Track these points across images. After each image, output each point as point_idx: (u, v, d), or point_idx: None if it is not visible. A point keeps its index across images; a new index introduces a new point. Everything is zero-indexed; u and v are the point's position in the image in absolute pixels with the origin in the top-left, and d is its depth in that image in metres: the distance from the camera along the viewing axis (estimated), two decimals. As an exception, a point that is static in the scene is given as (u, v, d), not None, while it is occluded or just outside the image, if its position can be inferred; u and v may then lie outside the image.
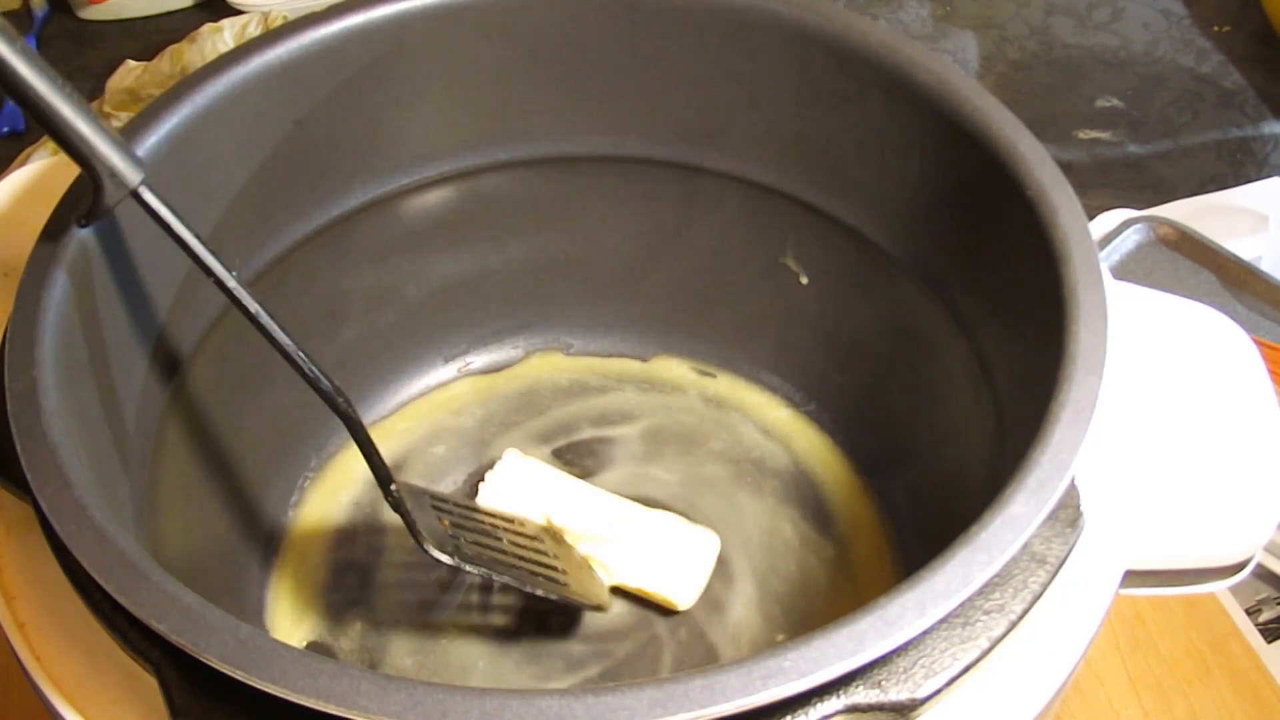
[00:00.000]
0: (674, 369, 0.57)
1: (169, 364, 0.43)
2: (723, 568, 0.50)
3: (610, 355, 0.58)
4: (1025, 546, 0.33)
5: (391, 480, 0.43)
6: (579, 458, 0.54)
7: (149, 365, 0.42)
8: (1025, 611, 0.32)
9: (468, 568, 0.43)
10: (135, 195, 0.37)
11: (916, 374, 0.50)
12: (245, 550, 0.50)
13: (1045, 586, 0.33)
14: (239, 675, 0.29)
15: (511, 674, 0.47)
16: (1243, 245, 0.68)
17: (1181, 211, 0.70)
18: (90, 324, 0.38)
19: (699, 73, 0.48)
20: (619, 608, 0.49)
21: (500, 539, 0.46)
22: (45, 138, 0.74)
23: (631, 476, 0.53)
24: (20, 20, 0.89)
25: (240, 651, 0.29)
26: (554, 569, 0.46)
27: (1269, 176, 0.74)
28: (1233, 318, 0.43)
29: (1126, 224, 0.67)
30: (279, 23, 0.77)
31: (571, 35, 0.48)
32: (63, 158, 0.49)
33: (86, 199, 0.37)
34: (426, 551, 0.43)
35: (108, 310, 0.39)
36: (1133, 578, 0.37)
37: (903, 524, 0.52)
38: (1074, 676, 0.34)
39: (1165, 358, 0.41)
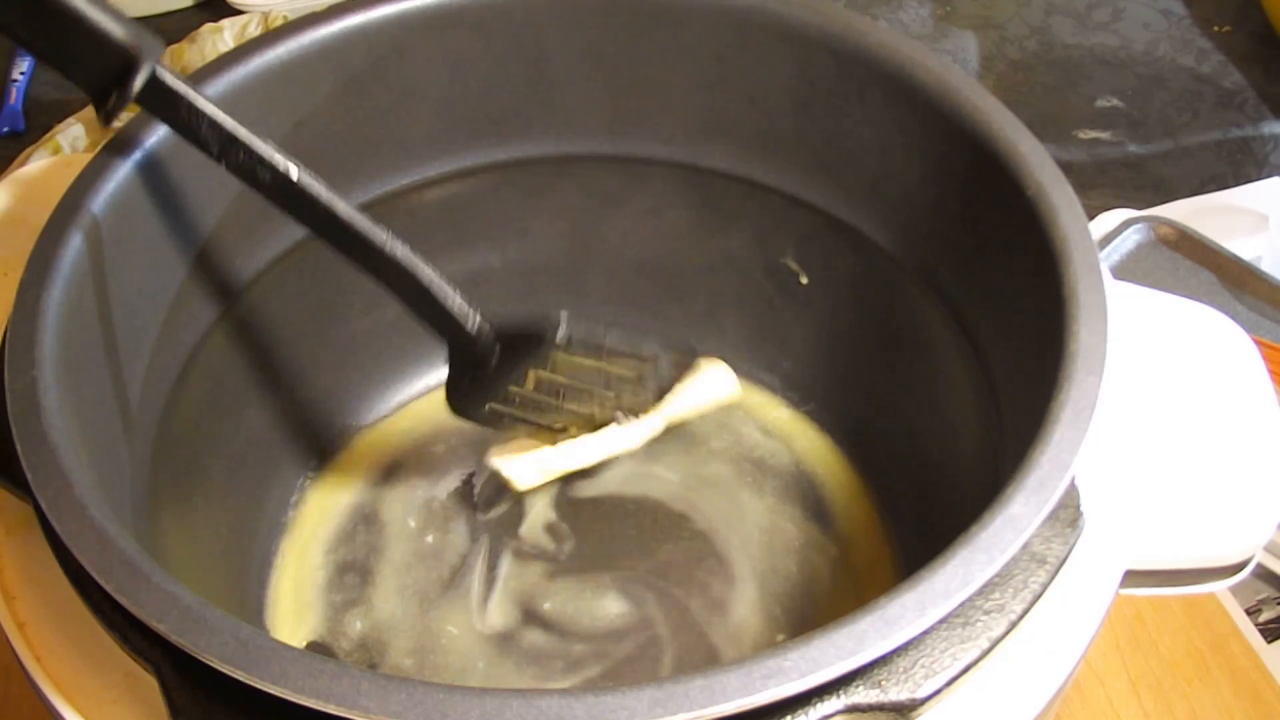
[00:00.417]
0: (674, 369, 0.57)
1: (170, 363, 0.43)
2: (723, 567, 0.50)
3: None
4: (1025, 546, 0.33)
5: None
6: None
7: (150, 364, 0.42)
8: (1025, 611, 0.32)
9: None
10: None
11: (916, 374, 0.50)
12: (245, 550, 0.50)
13: (1045, 586, 0.33)
14: (239, 675, 0.29)
15: (511, 674, 0.47)
16: (1243, 245, 0.68)
17: (1181, 211, 0.70)
18: (90, 323, 0.38)
19: (699, 73, 0.48)
20: (619, 607, 0.49)
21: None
22: (45, 138, 0.74)
23: (632, 475, 0.53)
24: (20, 20, 0.89)
25: (240, 651, 0.29)
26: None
27: (1269, 176, 0.74)
28: (1233, 318, 0.43)
29: (1126, 224, 0.67)
30: (279, 23, 0.77)
31: (572, 35, 0.48)
32: (63, 157, 0.50)
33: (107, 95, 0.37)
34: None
35: (108, 309, 0.39)
36: (1133, 578, 0.37)
37: (903, 524, 0.52)
38: (1074, 676, 0.34)
39: (1165, 358, 0.41)
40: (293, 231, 0.48)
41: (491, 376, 0.45)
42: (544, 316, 0.45)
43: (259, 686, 0.28)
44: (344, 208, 0.41)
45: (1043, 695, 0.33)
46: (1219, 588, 0.40)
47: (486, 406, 0.46)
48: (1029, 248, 0.39)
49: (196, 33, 0.77)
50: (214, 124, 0.38)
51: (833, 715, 0.30)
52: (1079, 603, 0.35)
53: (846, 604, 0.49)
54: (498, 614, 0.49)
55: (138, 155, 0.41)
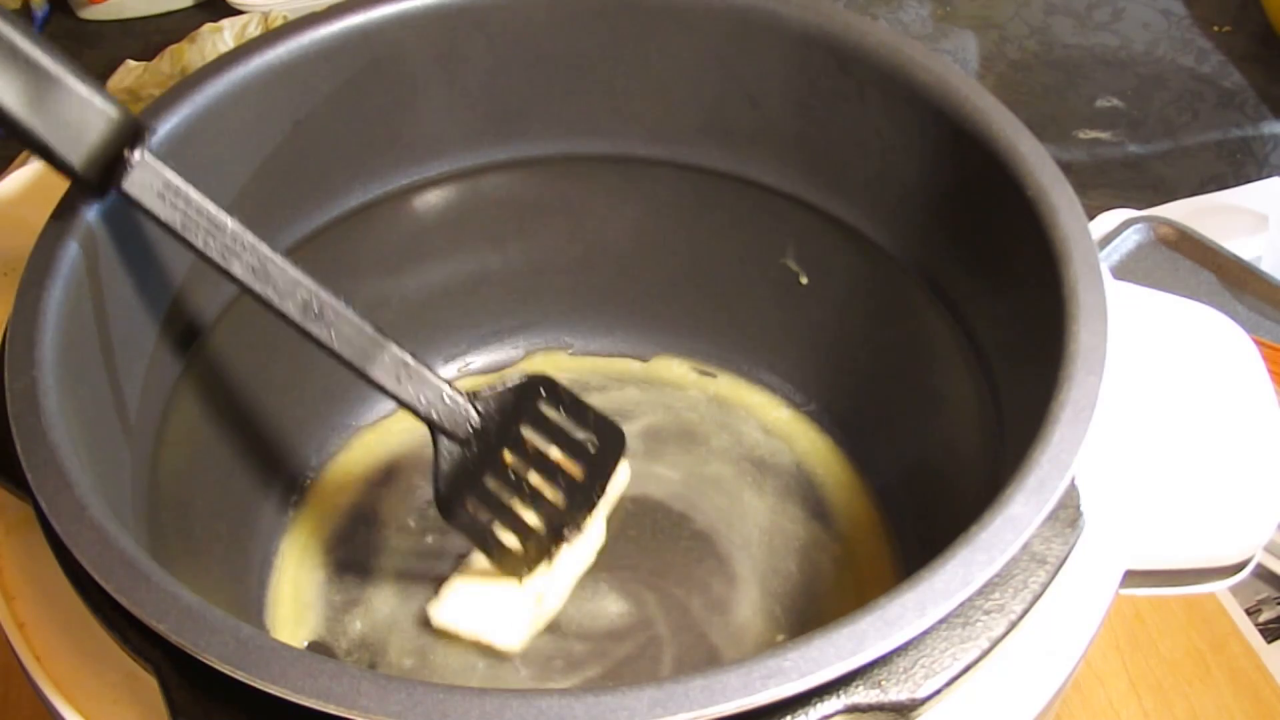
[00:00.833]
0: (674, 369, 0.57)
1: (170, 363, 0.43)
2: (724, 567, 0.50)
3: (610, 355, 0.58)
4: (1025, 546, 0.33)
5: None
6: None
7: (150, 365, 0.42)
8: (1025, 611, 0.32)
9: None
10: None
11: (916, 374, 0.50)
12: (245, 550, 0.50)
13: (1045, 586, 0.33)
14: (239, 675, 0.29)
15: (511, 674, 0.47)
16: (1243, 245, 0.68)
17: (1181, 211, 0.70)
18: (91, 323, 0.38)
19: (699, 73, 0.48)
20: (619, 607, 0.49)
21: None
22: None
23: (634, 475, 0.53)
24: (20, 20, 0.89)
25: (240, 651, 0.29)
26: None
27: (1269, 176, 0.74)
28: (1233, 318, 0.43)
29: (1126, 224, 0.67)
30: (279, 23, 0.77)
31: (572, 35, 0.48)
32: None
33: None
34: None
35: (108, 310, 0.39)
36: (1133, 578, 0.37)
37: (903, 524, 0.52)
38: (1074, 676, 0.34)
39: (1165, 358, 0.41)
40: (293, 232, 0.48)
41: (476, 459, 0.45)
42: (522, 382, 0.45)
43: (259, 686, 0.28)
44: (343, 348, 0.41)
45: (1043, 695, 0.33)
46: (1219, 588, 0.40)
47: (466, 505, 0.45)
48: (1029, 248, 0.39)
49: (196, 33, 0.77)
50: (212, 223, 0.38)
51: (833, 715, 0.30)
52: (1079, 603, 0.35)
53: (847, 604, 0.49)
54: (498, 614, 0.49)
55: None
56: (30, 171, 0.46)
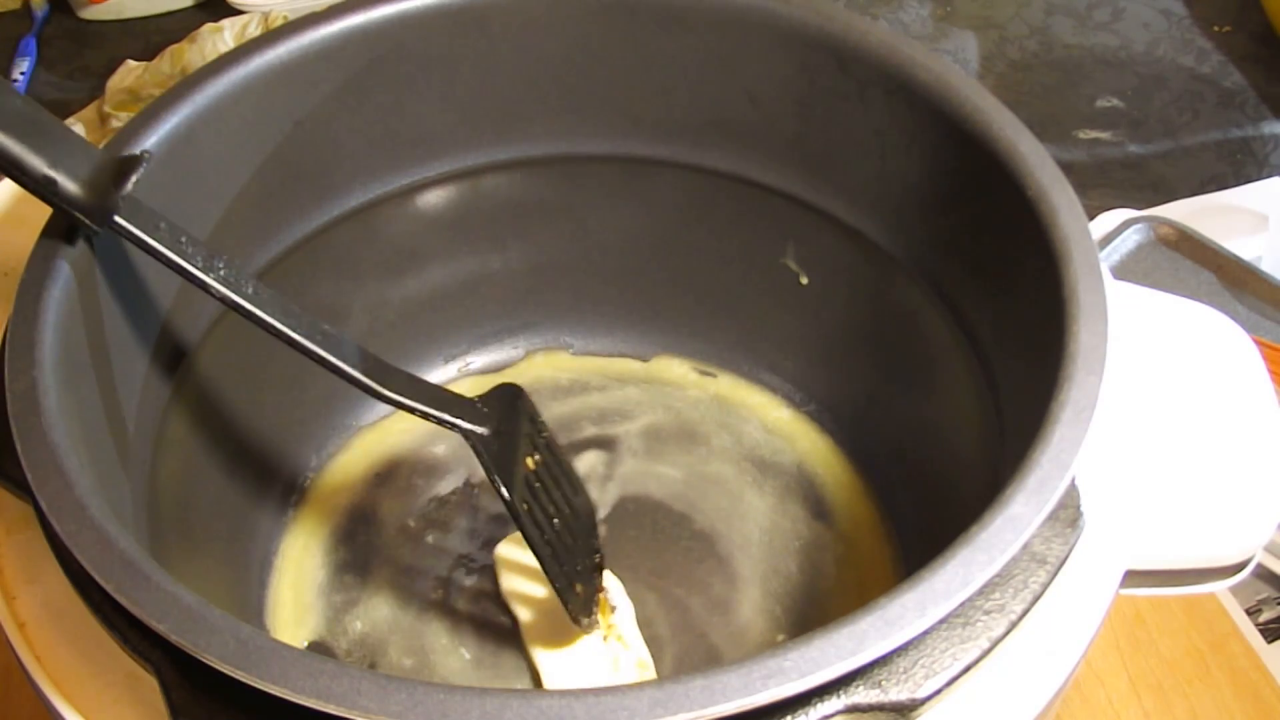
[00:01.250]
0: (674, 369, 0.57)
1: (170, 364, 0.43)
2: (724, 567, 0.50)
3: (611, 355, 0.58)
4: (1025, 546, 0.33)
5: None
6: (581, 455, 0.54)
7: (150, 365, 0.42)
8: (1025, 611, 0.32)
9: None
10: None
11: (916, 374, 0.50)
12: (245, 550, 0.50)
13: (1045, 586, 0.33)
14: (239, 675, 0.29)
15: (512, 675, 0.47)
16: (1243, 245, 0.68)
17: (1181, 211, 0.70)
18: (90, 324, 0.38)
19: (699, 73, 0.48)
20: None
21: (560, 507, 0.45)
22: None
23: (635, 474, 0.53)
24: (20, 20, 0.89)
25: (240, 651, 0.29)
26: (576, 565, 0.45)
27: (1269, 176, 0.74)
28: (1233, 318, 0.43)
29: (1126, 224, 0.67)
30: (279, 23, 0.77)
31: (572, 35, 0.48)
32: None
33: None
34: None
35: (108, 310, 0.39)
36: (1133, 578, 0.37)
37: (903, 524, 0.52)
38: (1074, 676, 0.34)
39: (1165, 358, 0.41)
40: (293, 232, 0.48)
41: (508, 437, 0.44)
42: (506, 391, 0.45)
43: (259, 686, 0.28)
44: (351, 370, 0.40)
45: (1043, 695, 0.33)
46: (1219, 588, 0.40)
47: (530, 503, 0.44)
48: (1029, 248, 0.39)
49: (196, 33, 0.77)
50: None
51: (833, 715, 0.30)
52: (1079, 603, 0.35)
53: (847, 604, 0.49)
54: (499, 614, 0.49)
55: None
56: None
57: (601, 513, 0.52)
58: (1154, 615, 0.55)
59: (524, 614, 0.48)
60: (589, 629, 0.45)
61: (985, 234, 0.43)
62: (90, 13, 0.88)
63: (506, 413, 0.44)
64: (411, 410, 0.41)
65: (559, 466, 0.46)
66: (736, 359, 0.57)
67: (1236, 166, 0.77)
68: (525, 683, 0.47)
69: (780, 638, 0.49)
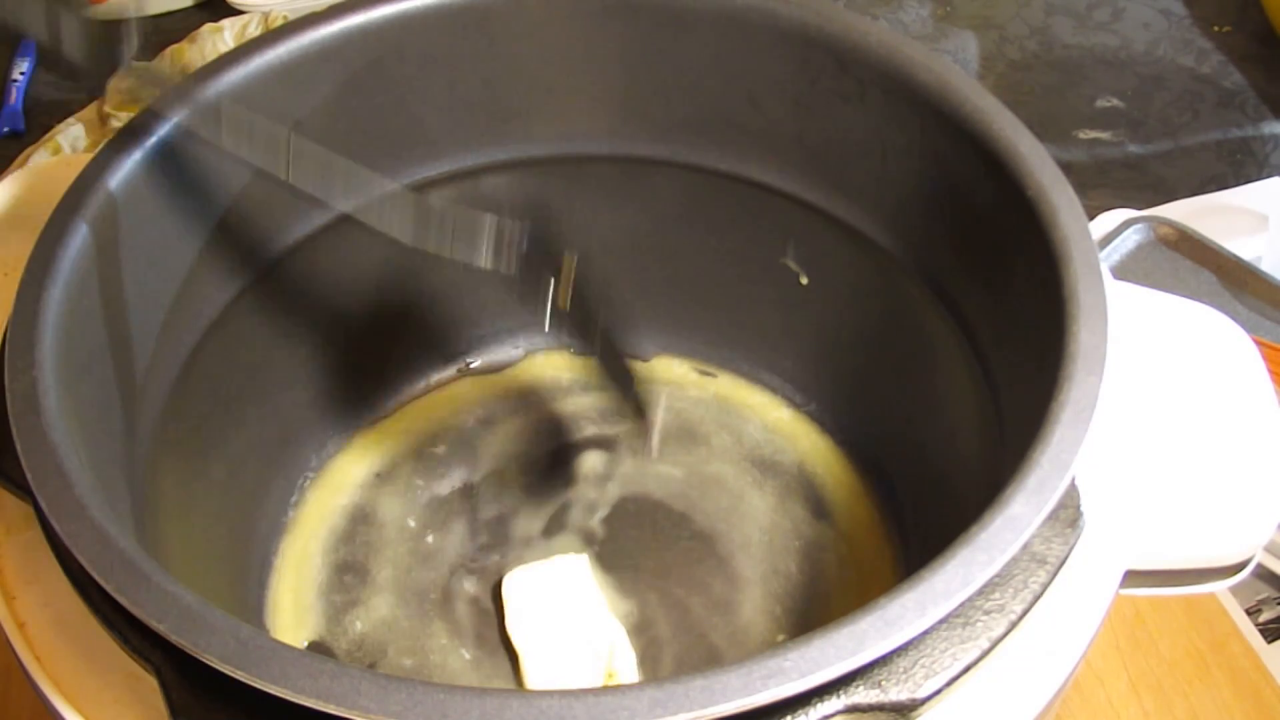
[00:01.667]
0: (674, 369, 0.57)
1: (170, 364, 0.43)
2: (725, 567, 0.50)
3: (610, 355, 0.58)
4: (1025, 546, 0.33)
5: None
6: (581, 455, 0.54)
7: (150, 365, 0.42)
8: (1025, 611, 0.32)
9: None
10: None
11: (917, 374, 0.50)
12: (245, 551, 0.50)
13: (1045, 586, 0.33)
14: (239, 675, 0.29)
15: (512, 675, 0.47)
16: (1243, 245, 0.68)
17: (1181, 211, 0.70)
18: (90, 324, 0.38)
19: (699, 73, 0.48)
20: (621, 608, 0.49)
21: None
22: (45, 138, 0.74)
23: (634, 475, 0.53)
24: (20, 20, 0.89)
25: (240, 651, 0.29)
26: None
27: (1269, 176, 0.74)
28: (1233, 318, 0.43)
29: (1126, 224, 0.67)
30: (279, 23, 0.77)
31: (572, 35, 0.48)
32: (63, 157, 0.50)
33: None
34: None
35: (108, 310, 0.39)
36: (1133, 578, 0.37)
37: (903, 524, 0.52)
38: (1074, 676, 0.34)
39: (1165, 358, 0.41)
40: (294, 231, 0.48)
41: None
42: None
43: (259, 686, 0.28)
44: None
45: (1043, 695, 0.33)
46: (1219, 588, 0.40)
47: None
48: (1029, 248, 0.39)
49: (196, 33, 0.77)
50: None
51: (833, 715, 0.30)
52: (1079, 603, 0.35)
53: (847, 604, 0.49)
54: (499, 614, 0.49)
55: (138, 155, 0.41)
56: (30, 171, 0.46)
57: (601, 513, 0.52)
58: (1154, 615, 0.55)
59: (526, 652, 0.47)
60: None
61: (985, 234, 0.43)
62: (90, 13, 0.88)
63: None
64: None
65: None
66: (736, 359, 0.57)
67: (1236, 166, 0.77)
68: (525, 683, 0.47)
69: (780, 638, 0.49)
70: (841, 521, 0.52)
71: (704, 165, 0.51)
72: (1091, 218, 0.67)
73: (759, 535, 0.52)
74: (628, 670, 0.47)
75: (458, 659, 0.48)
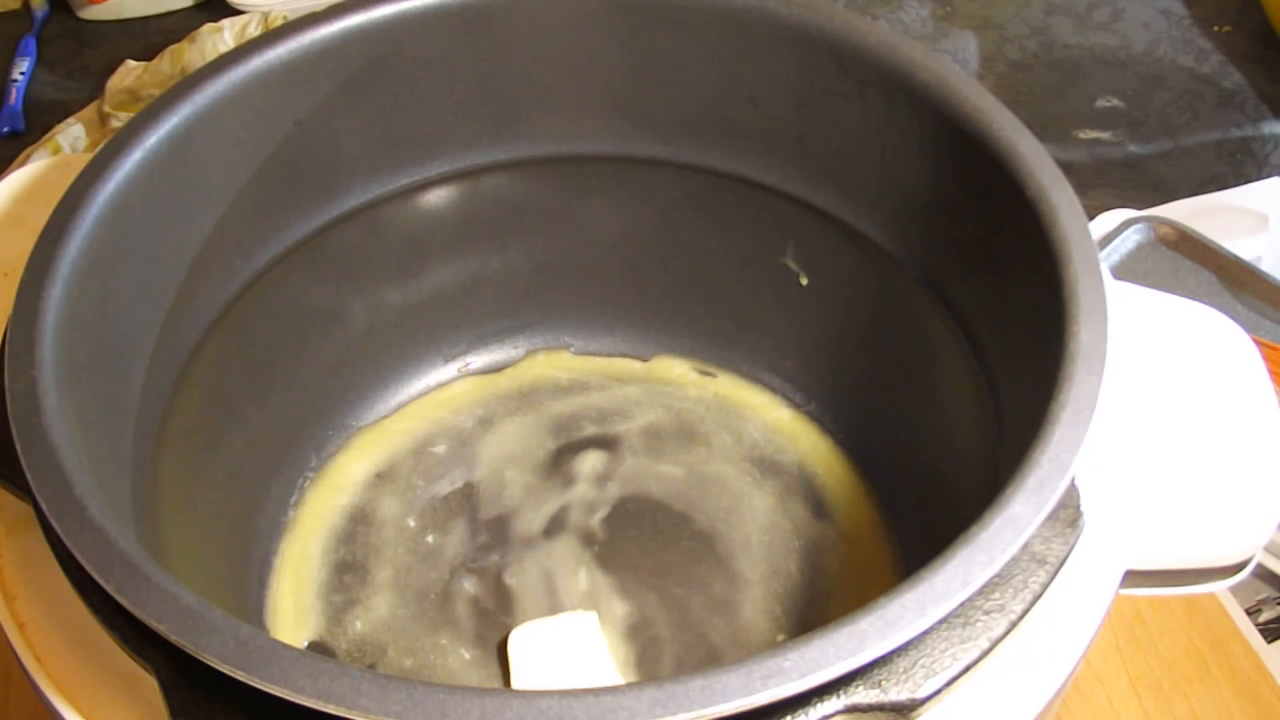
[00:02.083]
0: (675, 369, 0.57)
1: (170, 364, 0.43)
2: (725, 567, 0.50)
3: (611, 355, 0.58)
4: (1025, 546, 0.33)
5: None
6: (581, 455, 0.54)
7: (150, 365, 0.42)
8: (1025, 611, 0.32)
9: None
10: None
11: (917, 374, 0.50)
12: (245, 551, 0.50)
13: (1045, 586, 0.33)
14: (239, 675, 0.29)
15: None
16: (1243, 245, 0.68)
17: (1181, 211, 0.70)
18: (91, 323, 0.38)
19: (699, 73, 0.48)
20: (620, 608, 0.49)
21: None
22: (45, 138, 0.74)
23: (635, 474, 0.53)
24: (20, 20, 0.89)
25: (240, 651, 0.29)
26: None
27: (1269, 176, 0.74)
28: (1233, 318, 0.43)
29: (1126, 224, 0.67)
30: (279, 23, 0.77)
31: (572, 35, 0.48)
32: (63, 157, 0.50)
33: None
34: None
35: (108, 310, 0.39)
36: (1133, 578, 0.37)
37: (903, 524, 0.52)
38: (1074, 676, 0.34)
39: (1165, 358, 0.41)
40: (293, 232, 0.48)
41: None
42: None
43: (259, 686, 0.28)
44: None
45: (1043, 695, 0.33)
46: (1219, 588, 0.40)
47: None
48: (1029, 248, 0.39)
49: (196, 33, 0.77)
50: None
51: (833, 715, 0.30)
52: (1079, 603, 0.35)
53: (847, 604, 0.49)
54: (499, 614, 0.49)
55: (138, 155, 0.41)
56: (30, 171, 0.47)
57: (601, 513, 0.52)
58: (1154, 615, 0.55)
59: None
60: None
61: (985, 234, 0.43)
62: (90, 13, 0.88)
63: None
64: None
65: None
66: (736, 359, 0.57)
67: (1236, 166, 0.77)
68: (525, 683, 0.47)
69: (780, 638, 0.49)
70: (841, 521, 0.52)
71: (704, 165, 0.51)
72: (1091, 218, 0.67)
73: (759, 535, 0.52)
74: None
75: (458, 659, 0.48)
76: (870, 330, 0.52)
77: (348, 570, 0.51)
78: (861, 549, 0.51)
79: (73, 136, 0.74)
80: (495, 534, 0.52)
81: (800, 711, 0.30)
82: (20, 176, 0.46)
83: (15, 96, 0.82)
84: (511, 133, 0.51)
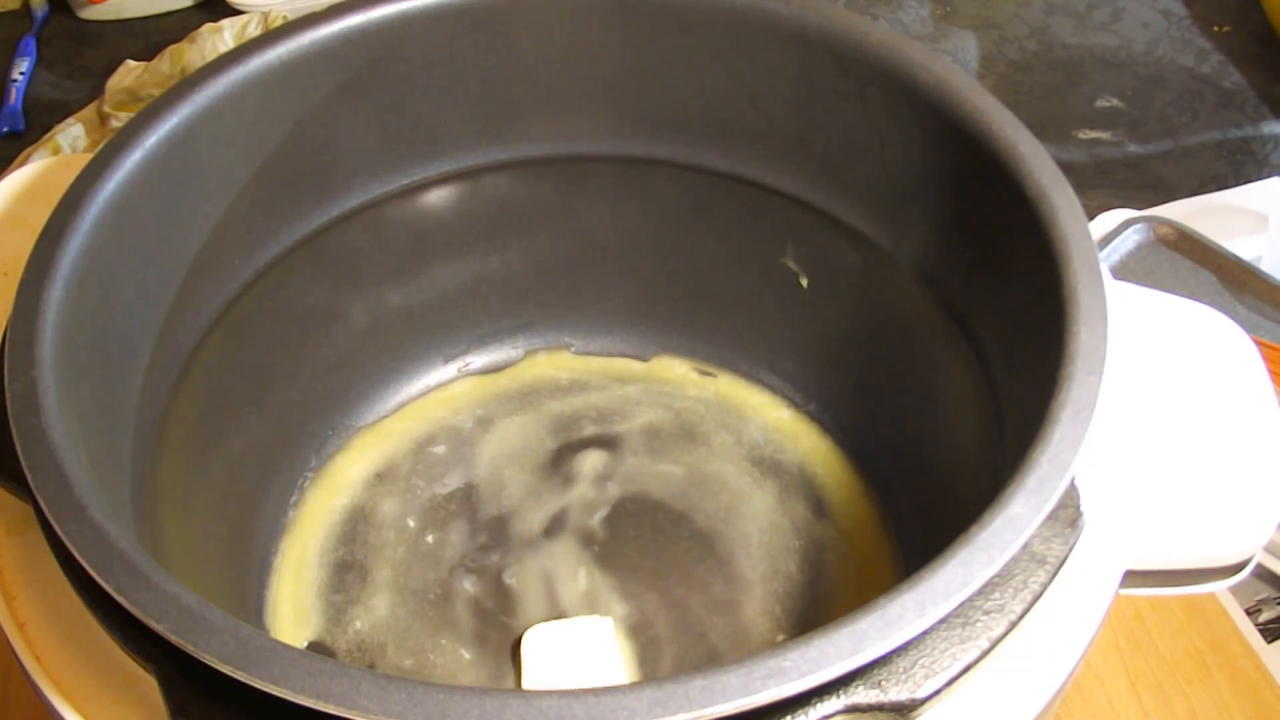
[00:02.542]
0: (674, 369, 0.57)
1: (170, 364, 0.43)
2: (725, 567, 0.50)
3: (611, 355, 0.58)
4: (1025, 546, 0.33)
5: None
6: (581, 455, 0.54)
7: (150, 365, 0.42)
8: (1025, 611, 0.32)
9: None
10: None
11: (917, 374, 0.50)
12: (245, 550, 0.50)
13: (1045, 586, 0.33)
14: (239, 675, 0.29)
15: (511, 675, 0.47)
16: (1243, 245, 0.68)
17: (1181, 211, 0.70)
18: (90, 323, 0.38)
19: (699, 73, 0.48)
20: (620, 608, 0.49)
21: None
22: (45, 138, 0.74)
23: (635, 474, 0.53)
24: (20, 20, 0.89)
25: (240, 651, 0.29)
26: None
27: (1269, 176, 0.74)
28: (1233, 318, 0.43)
29: (1126, 224, 0.67)
30: (279, 23, 0.77)
31: (572, 35, 0.48)
32: (63, 157, 0.50)
33: None
34: None
35: (108, 310, 0.39)
36: (1133, 578, 0.37)
37: (903, 524, 0.52)
38: (1074, 676, 0.34)
39: (1165, 358, 0.41)
40: (293, 232, 0.48)
41: None
42: None
43: (259, 686, 0.28)
44: None
45: (1043, 695, 0.33)
46: (1219, 588, 0.40)
47: None
48: (1029, 248, 0.39)
49: (196, 33, 0.77)
50: None
51: (833, 715, 0.30)
52: (1079, 603, 0.35)
53: (847, 604, 0.49)
54: (499, 614, 0.49)
55: (138, 155, 0.41)
56: (30, 171, 0.47)
57: (601, 513, 0.52)
58: (1154, 615, 0.55)
59: None
60: None
61: (985, 234, 0.43)
62: (90, 13, 0.88)
63: None
64: None
65: None
66: (736, 359, 0.57)
67: (1236, 166, 0.77)
68: (525, 683, 0.47)
69: (780, 638, 0.49)
70: (841, 521, 0.52)
71: (704, 165, 0.51)
72: (1091, 218, 0.67)
73: (759, 535, 0.52)
74: None
75: (458, 659, 0.48)
76: (870, 330, 0.52)
77: (347, 570, 0.51)
78: (861, 549, 0.51)
79: (72, 136, 0.74)
80: (495, 534, 0.52)
81: (800, 711, 0.30)
82: (20, 176, 0.46)
83: (15, 96, 0.82)
84: (511, 132, 0.51)
